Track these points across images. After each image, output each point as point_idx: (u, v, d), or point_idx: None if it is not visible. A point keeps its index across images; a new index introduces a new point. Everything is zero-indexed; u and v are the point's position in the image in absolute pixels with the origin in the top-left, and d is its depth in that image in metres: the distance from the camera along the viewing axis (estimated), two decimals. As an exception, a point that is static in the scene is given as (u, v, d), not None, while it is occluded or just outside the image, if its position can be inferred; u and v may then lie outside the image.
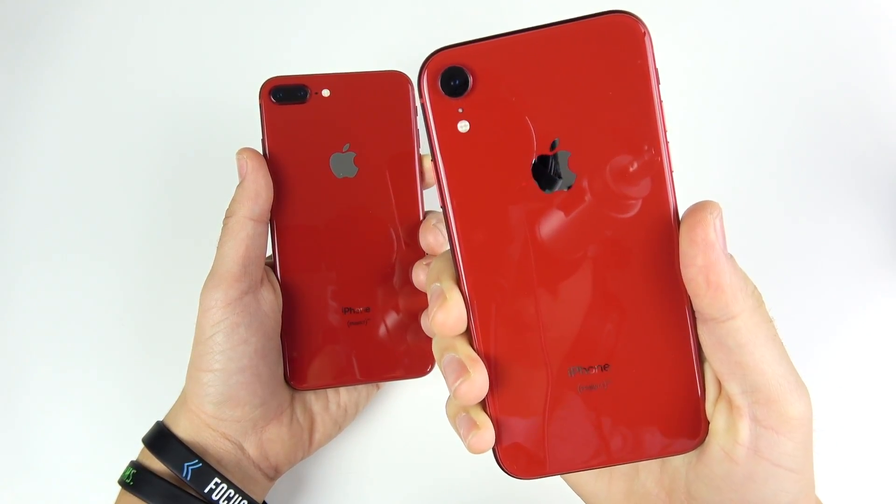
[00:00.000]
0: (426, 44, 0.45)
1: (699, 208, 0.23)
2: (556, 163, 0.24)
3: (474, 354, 0.25)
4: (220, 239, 0.34)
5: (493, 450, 0.26)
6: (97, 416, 0.43)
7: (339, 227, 0.37)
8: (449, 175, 0.24)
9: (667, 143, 0.24)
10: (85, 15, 0.49)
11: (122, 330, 0.45)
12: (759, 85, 0.44)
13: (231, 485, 0.34)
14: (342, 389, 0.39)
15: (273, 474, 0.37)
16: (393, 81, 0.37)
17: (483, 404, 0.26)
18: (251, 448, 0.36)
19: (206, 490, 0.33)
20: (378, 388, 0.41)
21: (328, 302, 0.37)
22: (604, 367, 0.25)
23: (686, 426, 0.26)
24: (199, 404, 0.34)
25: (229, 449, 0.35)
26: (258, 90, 0.36)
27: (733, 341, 0.24)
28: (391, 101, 0.37)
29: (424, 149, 0.38)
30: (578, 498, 0.31)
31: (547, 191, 0.24)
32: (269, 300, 0.35)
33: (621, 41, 0.23)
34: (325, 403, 0.38)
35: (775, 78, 0.43)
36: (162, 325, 0.43)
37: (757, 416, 0.24)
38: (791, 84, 0.43)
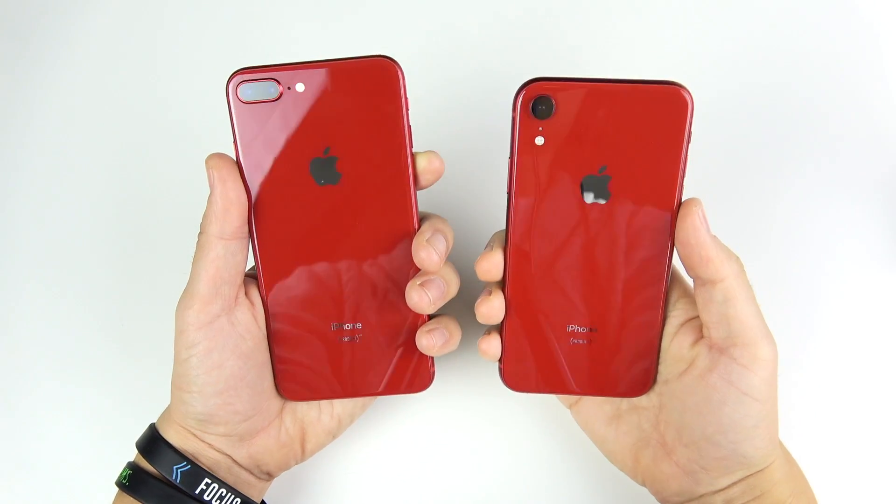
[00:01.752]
0: (413, 21, 0.41)
1: (687, 205, 0.31)
2: (599, 183, 0.32)
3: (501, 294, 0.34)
4: (194, 255, 0.32)
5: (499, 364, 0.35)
6: (96, 417, 0.44)
7: (324, 240, 0.33)
8: (519, 172, 0.32)
9: (682, 182, 0.32)
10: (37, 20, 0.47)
11: (121, 331, 0.44)
12: (757, 81, 0.43)
13: (223, 484, 0.34)
14: (336, 401, 0.37)
15: (267, 478, 0.37)
16: (378, 69, 0.31)
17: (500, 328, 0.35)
18: (240, 458, 0.35)
19: (196, 491, 0.33)
20: (373, 398, 0.39)
21: (316, 318, 0.34)
22: (592, 329, 0.34)
23: (641, 379, 0.34)
24: (182, 418, 0.34)
25: (219, 458, 0.35)
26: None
27: (721, 297, 0.31)
28: (377, 94, 0.31)
29: (417, 146, 0.33)
30: None
31: (586, 201, 0.32)
32: (245, 321, 0.33)
33: (671, 105, 0.31)
34: (318, 414, 0.37)
35: (774, 73, 0.43)
36: (162, 326, 0.43)
37: (734, 356, 0.31)
38: (790, 81, 0.43)
